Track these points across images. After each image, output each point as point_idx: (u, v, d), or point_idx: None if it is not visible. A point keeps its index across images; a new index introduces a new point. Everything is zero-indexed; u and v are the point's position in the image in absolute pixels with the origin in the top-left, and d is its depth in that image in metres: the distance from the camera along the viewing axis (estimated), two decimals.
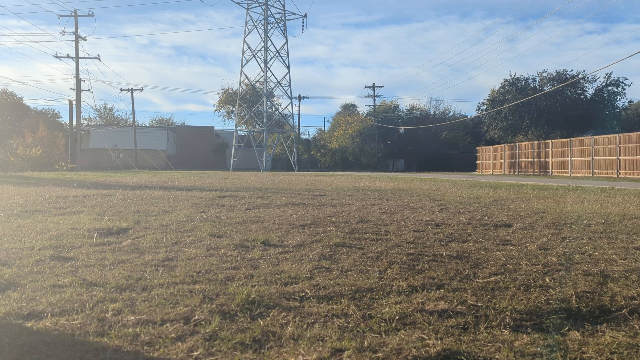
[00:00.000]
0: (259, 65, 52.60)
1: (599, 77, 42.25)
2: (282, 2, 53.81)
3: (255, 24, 52.32)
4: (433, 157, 59.28)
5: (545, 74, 41.03)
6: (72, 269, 4.06)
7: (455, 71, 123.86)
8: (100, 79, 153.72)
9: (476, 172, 45.02)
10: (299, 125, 68.75)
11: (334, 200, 10.86)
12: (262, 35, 52.23)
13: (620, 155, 27.97)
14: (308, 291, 3.46)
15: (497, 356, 2.41)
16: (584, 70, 44.34)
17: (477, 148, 47.83)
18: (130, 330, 2.68)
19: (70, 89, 52.34)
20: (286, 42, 53.59)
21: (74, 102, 41.21)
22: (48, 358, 2.35)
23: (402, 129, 61.35)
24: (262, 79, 53.15)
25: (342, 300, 3.27)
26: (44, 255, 4.55)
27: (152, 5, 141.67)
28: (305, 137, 70.00)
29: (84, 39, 42.01)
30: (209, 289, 3.47)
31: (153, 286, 3.54)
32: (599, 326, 2.84)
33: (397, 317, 2.92)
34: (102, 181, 19.16)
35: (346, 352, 2.42)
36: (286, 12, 53.75)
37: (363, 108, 71.88)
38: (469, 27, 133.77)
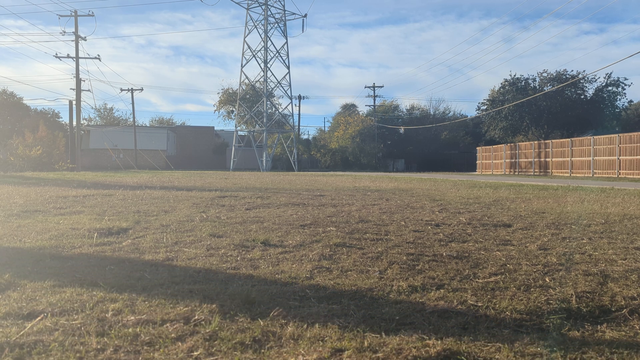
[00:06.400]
0: (259, 65, 52.66)
1: (599, 77, 42.28)
2: (282, 2, 53.84)
3: (255, 24, 52.35)
4: (433, 157, 59.28)
5: (545, 74, 41.05)
6: (72, 269, 4.06)
7: (453, 71, 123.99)
8: (100, 79, 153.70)
9: (476, 172, 45.02)
10: (299, 125, 68.80)
11: (334, 200, 10.86)
12: (262, 35, 52.25)
13: (620, 156, 27.97)
14: (308, 291, 3.46)
15: (497, 356, 2.41)
16: (584, 71, 44.40)
17: (477, 148, 47.82)
18: (130, 330, 2.68)
19: (70, 89, 52.38)
20: (286, 42, 53.64)
21: (74, 102, 41.21)
22: None
23: (402, 129, 61.35)
24: (262, 79, 53.19)
25: (342, 300, 3.27)
26: (44, 255, 4.55)
27: (149, 5, 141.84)
28: (305, 137, 70.04)
29: (84, 39, 42.01)
30: (209, 289, 3.47)
31: (153, 286, 3.54)
32: (599, 326, 2.84)
33: (397, 317, 2.92)
34: (102, 181, 19.16)
35: (346, 352, 2.42)
36: (286, 12, 53.80)
37: (363, 108, 71.94)
38: (466, 27, 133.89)
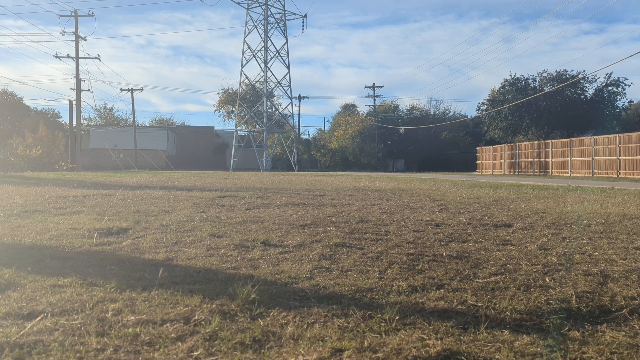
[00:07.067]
0: (259, 65, 52.65)
1: (599, 77, 42.29)
2: (282, 2, 53.84)
3: (255, 24, 52.34)
4: (433, 157, 59.27)
5: (545, 74, 41.05)
6: (72, 269, 4.06)
7: (453, 72, 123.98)
8: (100, 79, 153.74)
9: (476, 172, 45.01)
10: (299, 125, 68.81)
11: (334, 200, 10.85)
12: (262, 36, 52.25)
13: (620, 156, 27.97)
14: (308, 291, 3.46)
15: (497, 356, 2.41)
16: (584, 70, 44.39)
17: (477, 148, 47.82)
18: (130, 330, 2.68)
19: (70, 89, 52.39)
20: (286, 42, 53.64)
21: (74, 102, 41.21)
22: None
23: (402, 129, 61.34)
24: (262, 79, 53.19)
25: (342, 300, 3.27)
26: (44, 255, 4.55)
27: (149, 5, 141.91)
28: (305, 137, 70.04)
29: (84, 39, 42.00)
30: (209, 289, 3.47)
31: (153, 286, 3.54)
32: (599, 326, 2.84)
33: (397, 317, 2.92)
34: (102, 181, 19.17)
35: (346, 352, 2.42)
36: (286, 12, 53.79)
37: (363, 108, 71.92)
38: (466, 27, 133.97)
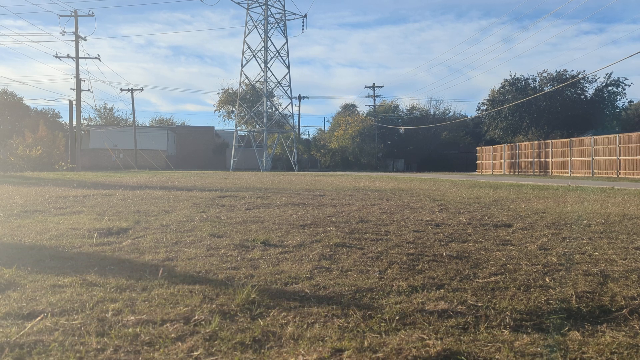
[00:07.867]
0: (259, 65, 52.70)
1: (599, 77, 42.35)
2: (282, 2, 53.87)
3: (255, 24, 52.37)
4: (433, 157, 59.30)
5: (545, 74, 41.08)
6: (72, 268, 4.06)
7: (453, 71, 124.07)
8: (100, 79, 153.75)
9: (476, 172, 45.01)
10: (299, 126, 68.81)
11: (334, 200, 10.85)
12: (262, 36, 52.27)
13: (620, 156, 27.96)
14: (308, 291, 3.46)
15: (497, 356, 2.41)
16: (584, 71, 44.41)
17: (477, 148, 47.82)
18: (130, 330, 2.68)
19: (70, 89, 52.42)
20: (286, 42, 53.67)
21: (74, 102, 41.21)
22: None
23: (402, 129, 61.37)
24: (262, 79, 53.21)
25: (342, 300, 3.27)
26: (44, 255, 4.55)
27: (149, 5, 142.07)
28: (305, 137, 70.08)
29: (84, 39, 42.00)
30: (209, 289, 3.47)
31: (153, 286, 3.54)
32: (599, 326, 2.84)
33: (397, 317, 2.92)
34: (102, 181, 19.16)
35: (346, 352, 2.42)
36: (286, 12, 53.82)
37: (363, 108, 71.99)
38: (465, 27, 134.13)
